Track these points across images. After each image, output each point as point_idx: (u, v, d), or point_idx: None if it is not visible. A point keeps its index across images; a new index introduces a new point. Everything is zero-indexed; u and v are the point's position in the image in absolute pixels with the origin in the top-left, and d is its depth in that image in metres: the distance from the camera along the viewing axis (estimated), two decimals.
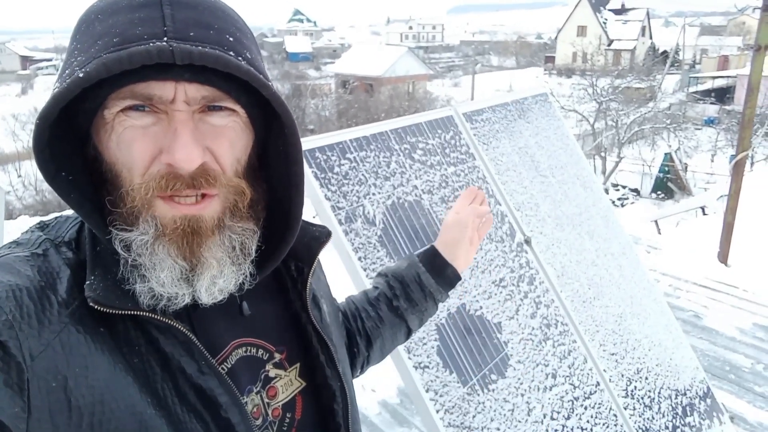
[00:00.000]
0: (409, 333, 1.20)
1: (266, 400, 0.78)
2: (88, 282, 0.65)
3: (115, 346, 0.65)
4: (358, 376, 1.17)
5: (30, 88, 52.48)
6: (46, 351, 0.59)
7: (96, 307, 0.63)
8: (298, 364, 0.83)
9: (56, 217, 0.76)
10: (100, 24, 0.64)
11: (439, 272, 1.19)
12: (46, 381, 0.58)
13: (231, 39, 0.67)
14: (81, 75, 0.59)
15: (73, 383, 0.60)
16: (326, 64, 59.74)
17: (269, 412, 0.78)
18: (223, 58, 0.62)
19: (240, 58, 0.65)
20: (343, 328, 1.09)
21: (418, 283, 1.17)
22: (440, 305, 1.26)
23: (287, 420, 0.80)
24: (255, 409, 0.76)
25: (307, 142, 1.76)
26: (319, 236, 0.89)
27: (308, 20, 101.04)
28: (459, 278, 1.22)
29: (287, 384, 0.81)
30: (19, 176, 25.38)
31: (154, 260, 0.66)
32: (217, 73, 0.64)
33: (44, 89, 49.38)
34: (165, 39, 0.61)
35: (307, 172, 1.72)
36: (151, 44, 0.60)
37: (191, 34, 0.63)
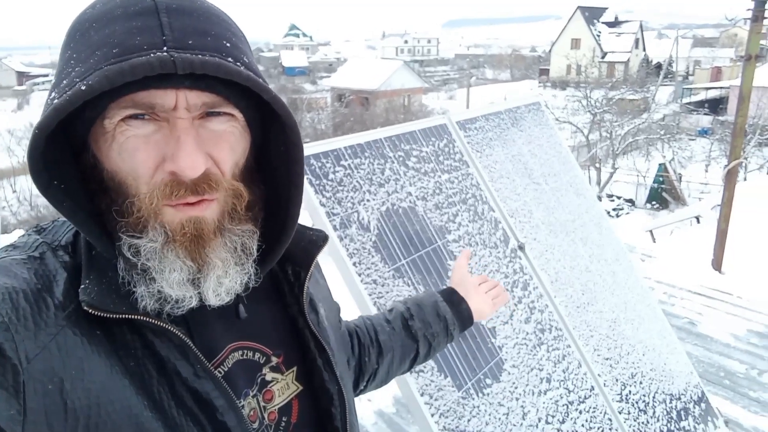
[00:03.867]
0: (415, 359, 1.24)
1: (262, 403, 0.78)
2: (83, 286, 0.65)
3: (112, 349, 0.65)
4: (362, 392, 1.18)
5: (26, 103, 52.50)
6: (42, 353, 0.59)
7: (90, 311, 0.63)
8: (294, 368, 0.83)
9: (53, 221, 0.76)
10: (96, 33, 0.64)
11: (456, 306, 1.27)
12: (42, 383, 0.59)
13: (228, 45, 0.67)
14: (83, 87, 0.59)
15: (69, 386, 0.60)
16: (322, 78, 59.96)
17: (265, 415, 0.78)
18: (224, 66, 0.63)
19: (238, 64, 0.66)
20: (345, 336, 1.10)
21: (435, 309, 1.24)
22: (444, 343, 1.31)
23: (283, 423, 0.80)
24: (251, 413, 0.76)
25: None
26: (317, 240, 0.89)
27: (304, 35, 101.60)
28: (472, 319, 1.30)
29: (284, 388, 0.81)
30: (14, 191, 25.34)
31: (164, 264, 0.66)
32: (217, 79, 0.65)
33: (40, 105, 49.19)
34: (165, 49, 0.61)
35: None
36: (152, 55, 0.60)
37: (190, 42, 0.64)
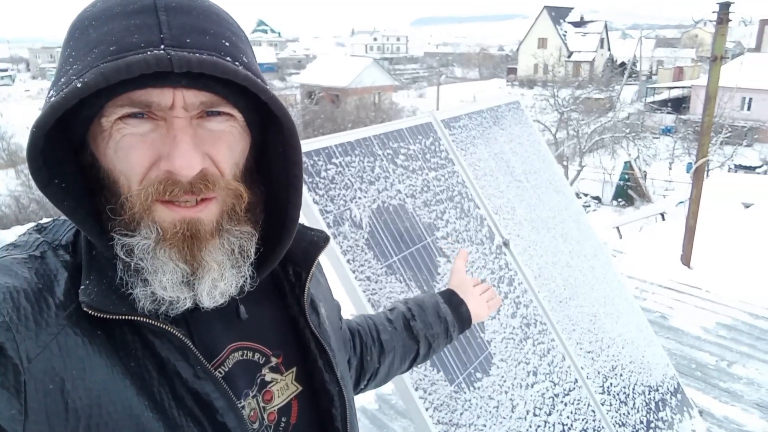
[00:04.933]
0: (415, 359, 1.25)
1: (262, 404, 0.78)
2: (82, 287, 0.65)
3: (113, 349, 0.65)
4: (362, 390, 1.19)
5: None
6: (44, 353, 0.59)
7: (90, 312, 0.63)
8: (294, 369, 0.83)
9: (54, 220, 0.76)
10: (95, 31, 0.64)
11: (456, 308, 1.29)
12: (43, 383, 0.58)
13: (227, 44, 0.67)
14: (79, 85, 0.59)
15: (71, 385, 0.60)
16: (291, 74, 59.57)
17: (265, 416, 0.78)
18: (221, 65, 0.62)
19: (237, 63, 0.65)
20: (346, 335, 1.10)
21: (436, 310, 1.26)
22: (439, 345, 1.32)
23: (282, 424, 0.80)
24: (252, 413, 0.76)
25: None
26: (317, 241, 0.89)
27: (272, 31, 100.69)
28: (471, 321, 1.32)
29: (283, 388, 0.81)
30: None
31: (156, 264, 0.66)
32: (215, 79, 0.64)
33: (0, 99, 47.99)
34: (162, 47, 0.61)
35: None
36: (148, 53, 0.60)
37: (188, 40, 0.63)
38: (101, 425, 0.61)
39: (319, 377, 0.84)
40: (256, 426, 0.75)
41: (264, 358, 0.79)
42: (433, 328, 1.24)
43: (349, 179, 1.88)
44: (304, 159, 1.79)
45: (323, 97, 38.56)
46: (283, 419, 0.80)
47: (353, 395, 0.96)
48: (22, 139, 30.58)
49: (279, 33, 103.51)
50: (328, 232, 1.73)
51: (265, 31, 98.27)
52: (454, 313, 1.28)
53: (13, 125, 33.30)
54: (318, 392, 0.84)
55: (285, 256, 0.81)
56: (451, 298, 1.30)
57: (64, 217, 0.71)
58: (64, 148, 0.69)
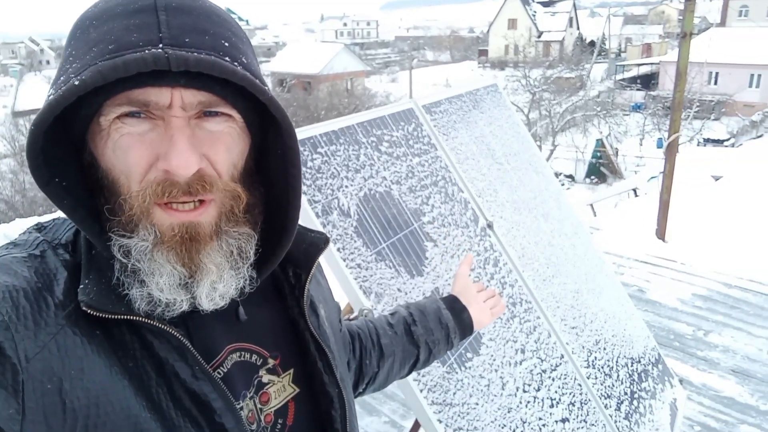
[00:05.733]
0: (414, 365, 1.25)
1: (259, 405, 0.78)
2: (81, 286, 0.65)
3: (111, 349, 0.65)
4: (360, 394, 1.19)
5: None
6: (42, 353, 0.59)
7: (89, 311, 0.63)
8: (291, 370, 0.83)
9: (54, 219, 0.75)
10: (95, 30, 0.64)
11: (458, 314, 1.28)
12: (41, 383, 0.58)
13: (226, 44, 0.67)
14: (76, 83, 0.59)
15: (69, 385, 0.60)
16: (261, 62, 58.75)
17: (262, 417, 0.78)
18: (219, 65, 0.62)
19: (236, 64, 0.65)
20: (346, 338, 1.11)
21: (437, 316, 1.25)
22: (439, 351, 1.30)
23: (278, 426, 0.80)
24: (250, 414, 0.76)
25: None
26: (318, 242, 0.88)
27: (241, 19, 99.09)
28: (473, 328, 1.31)
29: (280, 390, 0.81)
30: None
31: (153, 266, 0.66)
32: (214, 79, 0.64)
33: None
34: (160, 46, 0.61)
35: None
36: (146, 51, 0.60)
37: (187, 40, 0.63)
38: (99, 425, 0.61)
39: (318, 379, 0.84)
40: (253, 427, 0.76)
41: (261, 360, 0.80)
42: (434, 333, 1.23)
43: (335, 168, 1.90)
44: None
45: (295, 84, 38.24)
46: (280, 421, 0.80)
47: (353, 397, 0.96)
48: None
49: (247, 21, 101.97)
50: (317, 221, 1.75)
51: None
52: (456, 319, 1.27)
53: None
54: (317, 394, 0.85)
55: (285, 257, 0.81)
56: (454, 304, 1.29)
57: (63, 216, 0.71)
58: (64, 147, 0.69)
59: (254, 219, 0.75)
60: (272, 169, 0.78)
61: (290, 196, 0.78)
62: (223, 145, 0.69)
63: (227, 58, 0.65)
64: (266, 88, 0.68)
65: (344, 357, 1.03)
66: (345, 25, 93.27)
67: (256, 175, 0.77)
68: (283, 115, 0.71)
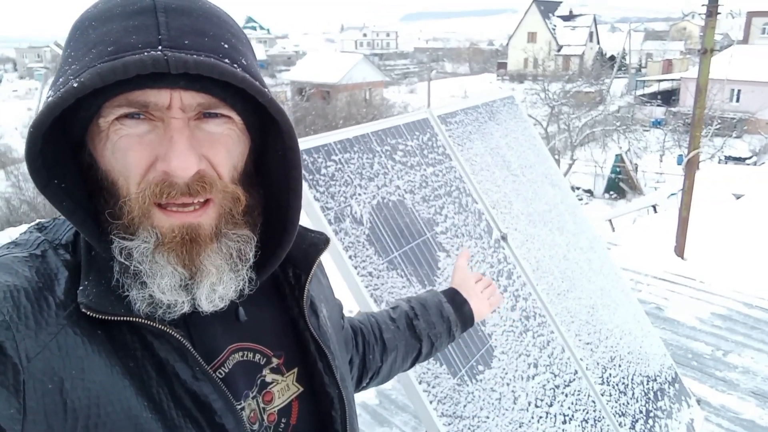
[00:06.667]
0: (417, 358, 1.25)
1: (262, 405, 0.77)
2: (81, 287, 0.65)
3: (112, 349, 0.65)
4: (364, 388, 1.19)
5: None
6: (43, 352, 0.59)
7: (89, 313, 0.63)
8: (295, 370, 0.83)
9: (54, 219, 0.75)
10: (94, 32, 0.64)
11: (459, 307, 1.29)
12: (42, 382, 0.58)
13: (226, 46, 0.66)
14: (75, 85, 0.59)
15: (69, 385, 0.60)
16: (281, 71, 59.44)
17: (265, 417, 0.77)
18: (218, 67, 0.62)
19: (235, 65, 0.65)
20: (349, 334, 1.10)
21: (439, 310, 1.26)
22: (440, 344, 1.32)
23: (282, 425, 0.79)
24: (252, 414, 0.75)
25: None
26: (317, 243, 0.88)
27: (261, 27, 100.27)
28: (473, 320, 1.32)
29: (284, 389, 0.81)
30: None
31: (155, 268, 0.66)
32: (213, 80, 0.64)
33: None
34: (160, 48, 0.61)
35: None
36: (145, 53, 0.60)
37: (186, 42, 0.63)
38: (100, 425, 0.61)
39: (318, 379, 0.84)
40: (255, 427, 0.75)
41: (265, 359, 0.79)
42: (435, 327, 1.24)
43: (348, 176, 1.89)
44: (304, 157, 1.80)
45: (314, 93, 38.48)
46: (283, 420, 0.80)
47: (354, 397, 0.95)
48: (10, 140, 30.30)
49: (268, 30, 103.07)
50: (329, 228, 1.74)
51: (255, 28, 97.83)
52: (457, 312, 1.28)
53: (1, 125, 32.98)
54: (318, 394, 0.84)
55: (285, 257, 0.80)
56: (454, 297, 1.30)
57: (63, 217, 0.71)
58: (63, 149, 0.68)
59: (254, 221, 0.75)
60: (272, 170, 0.78)
61: (290, 198, 0.77)
62: (222, 146, 0.69)
63: (227, 60, 0.65)
64: (266, 89, 0.68)
65: (346, 356, 1.03)
66: (365, 35, 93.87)
67: (255, 177, 0.77)
68: (283, 117, 0.70)
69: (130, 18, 0.63)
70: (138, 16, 0.63)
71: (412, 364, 1.26)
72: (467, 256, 1.44)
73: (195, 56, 0.61)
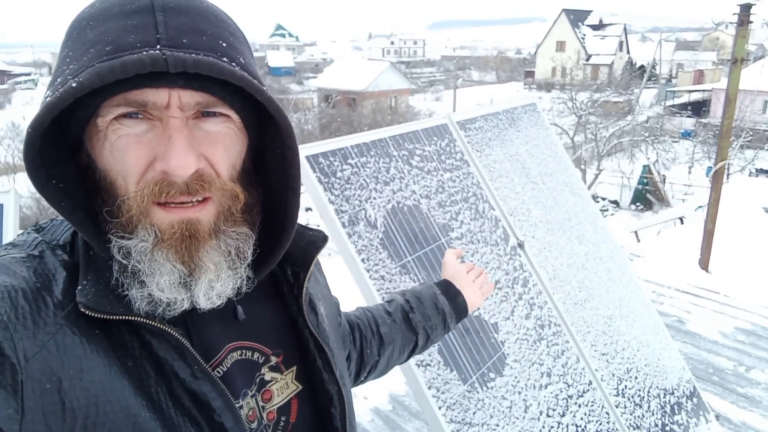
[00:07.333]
0: (413, 350, 1.27)
1: (261, 403, 0.77)
2: (79, 287, 0.65)
3: (110, 348, 0.65)
4: (362, 382, 1.20)
5: (8, 102, 51.88)
6: (41, 352, 0.59)
7: (87, 312, 0.63)
8: (294, 368, 0.83)
9: (52, 220, 0.76)
10: (92, 31, 0.64)
11: (453, 298, 1.31)
12: (40, 382, 0.58)
13: (224, 44, 0.66)
14: (74, 85, 0.59)
15: (68, 385, 0.60)
16: (308, 78, 59.98)
17: (264, 415, 0.77)
18: (216, 65, 0.62)
19: (234, 64, 0.65)
20: (346, 329, 1.12)
21: (434, 302, 1.28)
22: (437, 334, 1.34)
23: (281, 423, 0.80)
24: (250, 413, 0.75)
25: (310, 148, 1.82)
26: (316, 241, 0.88)
27: (290, 35, 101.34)
28: (467, 311, 1.34)
29: (283, 387, 0.81)
30: None
31: (154, 266, 0.66)
32: (211, 79, 0.64)
33: (22, 104, 48.79)
34: (158, 47, 0.61)
35: (312, 176, 1.77)
36: (144, 53, 0.60)
37: (184, 41, 0.63)
38: (98, 425, 0.61)
39: (318, 377, 0.84)
40: (254, 425, 0.76)
41: (263, 357, 0.80)
42: (431, 319, 1.26)
43: (364, 180, 1.90)
44: (321, 160, 1.82)
45: (340, 100, 38.67)
46: (283, 418, 0.80)
47: (352, 394, 0.96)
48: None
49: (297, 37, 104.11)
50: (343, 231, 1.75)
51: (283, 35, 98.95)
52: (451, 303, 1.30)
53: None
54: (317, 392, 0.84)
55: (283, 255, 0.81)
56: (448, 288, 1.32)
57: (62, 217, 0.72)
58: (62, 149, 0.69)
59: (252, 219, 0.76)
60: (271, 169, 0.78)
61: (289, 196, 0.77)
62: (221, 145, 0.69)
63: (225, 59, 0.65)
64: (264, 87, 0.68)
65: (344, 353, 1.03)
66: (392, 43, 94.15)
67: (254, 176, 0.78)
68: (282, 116, 0.71)
69: (128, 17, 0.63)
70: (136, 15, 0.63)
71: (409, 357, 1.28)
72: (459, 252, 1.47)
73: (193, 55, 0.62)
